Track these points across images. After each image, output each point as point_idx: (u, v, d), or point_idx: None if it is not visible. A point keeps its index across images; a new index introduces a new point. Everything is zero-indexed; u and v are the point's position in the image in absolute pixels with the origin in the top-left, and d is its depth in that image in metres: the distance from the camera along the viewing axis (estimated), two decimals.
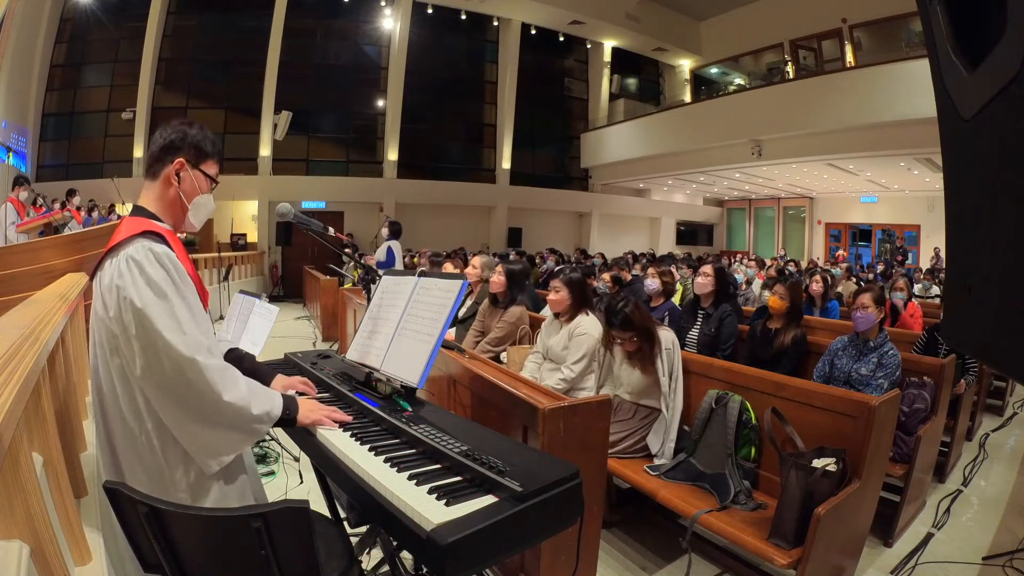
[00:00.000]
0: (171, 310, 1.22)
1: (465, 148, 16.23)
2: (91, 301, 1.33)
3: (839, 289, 6.48)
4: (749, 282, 7.36)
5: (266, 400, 1.33)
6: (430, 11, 14.45)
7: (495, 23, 15.56)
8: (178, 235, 1.43)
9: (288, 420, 1.39)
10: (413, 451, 1.34)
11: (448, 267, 4.58)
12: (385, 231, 6.51)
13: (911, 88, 8.84)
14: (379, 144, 14.76)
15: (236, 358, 1.57)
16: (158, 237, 1.30)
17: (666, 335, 2.72)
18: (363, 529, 1.85)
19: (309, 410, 1.45)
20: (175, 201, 1.39)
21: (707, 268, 3.77)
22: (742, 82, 16.76)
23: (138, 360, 1.20)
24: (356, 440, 1.39)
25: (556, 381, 2.84)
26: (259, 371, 1.60)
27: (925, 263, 13.65)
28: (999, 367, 0.98)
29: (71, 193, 7.01)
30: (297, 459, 3.25)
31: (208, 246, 10.91)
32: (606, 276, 5.51)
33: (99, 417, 1.32)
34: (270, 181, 13.36)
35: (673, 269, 5.96)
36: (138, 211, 1.38)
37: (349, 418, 1.50)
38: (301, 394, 1.60)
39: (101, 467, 1.34)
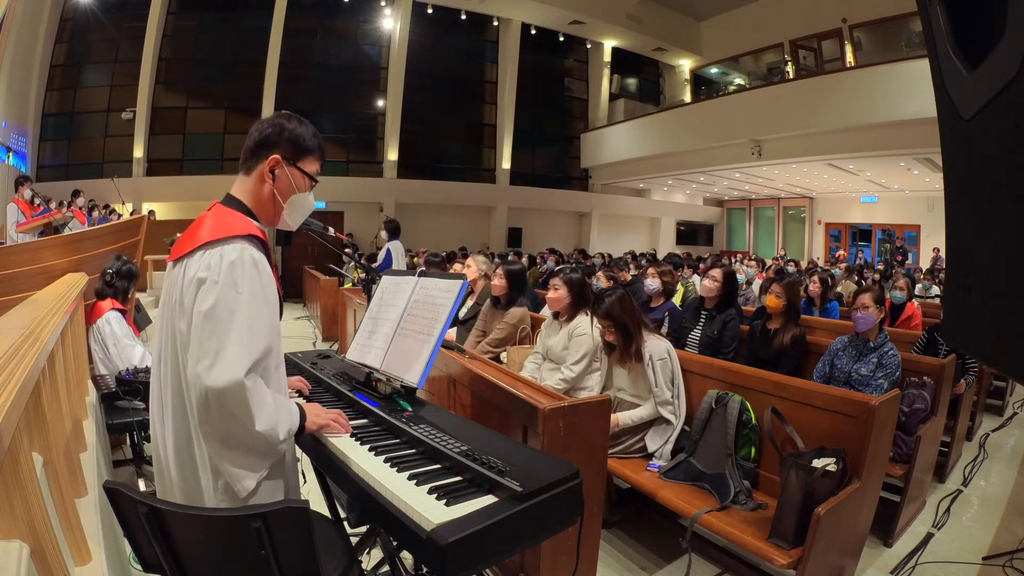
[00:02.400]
0: (239, 320, 1.14)
1: (465, 148, 16.22)
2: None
3: (839, 289, 6.48)
4: (749, 282, 7.35)
5: (287, 418, 1.25)
6: (430, 11, 14.44)
7: (495, 23, 15.55)
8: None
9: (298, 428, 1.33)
10: (413, 451, 1.34)
11: (458, 268, 4.57)
12: (384, 234, 6.46)
13: (911, 88, 8.83)
14: (379, 144, 14.76)
15: None
16: (259, 243, 1.25)
17: (659, 345, 2.69)
18: (363, 529, 1.85)
19: (315, 415, 1.40)
20: (269, 199, 1.31)
21: (716, 272, 3.69)
22: (742, 82, 16.76)
23: (191, 361, 1.14)
24: (356, 440, 1.39)
25: (556, 381, 2.84)
26: None
27: (925, 263, 13.64)
28: (999, 367, 0.98)
29: (76, 193, 7.02)
30: (297, 459, 3.24)
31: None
32: (600, 274, 5.53)
33: (158, 409, 1.25)
34: None
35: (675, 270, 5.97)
36: (232, 202, 1.30)
37: (349, 428, 1.47)
38: (307, 397, 1.60)
39: (164, 452, 1.27)
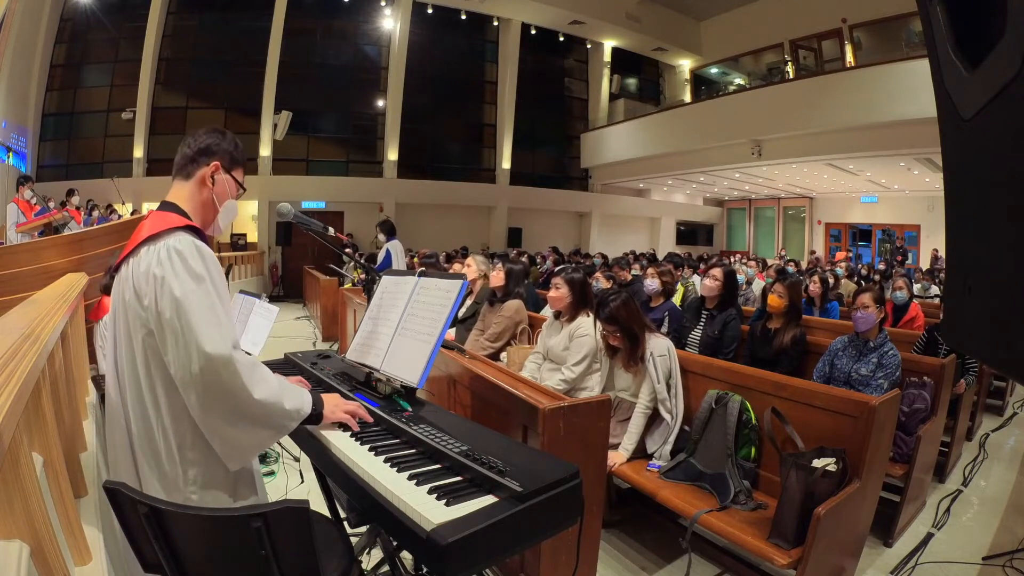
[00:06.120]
0: (210, 302, 1.21)
1: (465, 148, 16.22)
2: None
3: (839, 290, 6.47)
4: (749, 282, 7.35)
5: (296, 397, 1.31)
6: (430, 11, 14.44)
7: (495, 23, 15.55)
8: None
9: (315, 416, 1.36)
10: (413, 451, 1.34)
11: (457, 268, 4.57)
12: (382, 237, 6.47)
13: (911, 88, 8.82)
14: (379, 144, 14.75)
15: None
16: (198, 233, 1.33)
17: (660, 343, 2.70)
18: (363, 529, 1.85)
19: (335, 405, 1.43)
20: (208, 203, 1.41)
21: (717, 272, 3.67)
22: (742, 82, 16.75)
23: (170, 351, 1.19)
24: (356, 440, 1.39)
25: (556, 382, 2.84)
26: None
27: (925, 263, 13.64)
28: (999, 367, 0.98)
29: (70, 193, 7.03)
30: (297, 459, 3.25)
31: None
32: (598, 275, 5.50)
33: (118, 407, 1.29)
34: (270, 181, 13.36)
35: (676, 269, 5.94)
36: (169, 207, 1.37)
37: (370, 418, 1.48)
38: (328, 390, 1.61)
39: (115, 460, 1.31)
